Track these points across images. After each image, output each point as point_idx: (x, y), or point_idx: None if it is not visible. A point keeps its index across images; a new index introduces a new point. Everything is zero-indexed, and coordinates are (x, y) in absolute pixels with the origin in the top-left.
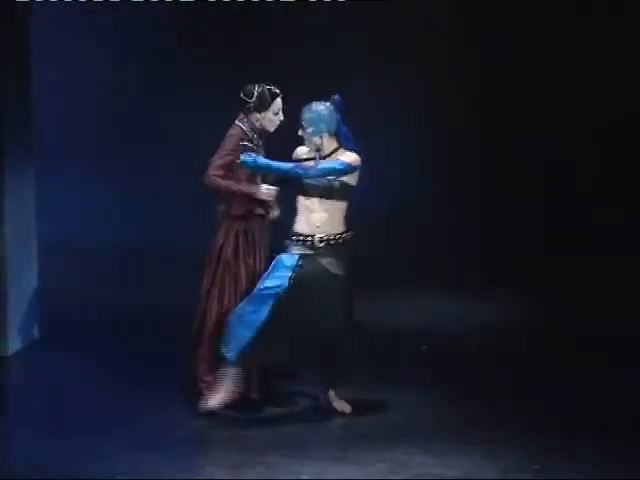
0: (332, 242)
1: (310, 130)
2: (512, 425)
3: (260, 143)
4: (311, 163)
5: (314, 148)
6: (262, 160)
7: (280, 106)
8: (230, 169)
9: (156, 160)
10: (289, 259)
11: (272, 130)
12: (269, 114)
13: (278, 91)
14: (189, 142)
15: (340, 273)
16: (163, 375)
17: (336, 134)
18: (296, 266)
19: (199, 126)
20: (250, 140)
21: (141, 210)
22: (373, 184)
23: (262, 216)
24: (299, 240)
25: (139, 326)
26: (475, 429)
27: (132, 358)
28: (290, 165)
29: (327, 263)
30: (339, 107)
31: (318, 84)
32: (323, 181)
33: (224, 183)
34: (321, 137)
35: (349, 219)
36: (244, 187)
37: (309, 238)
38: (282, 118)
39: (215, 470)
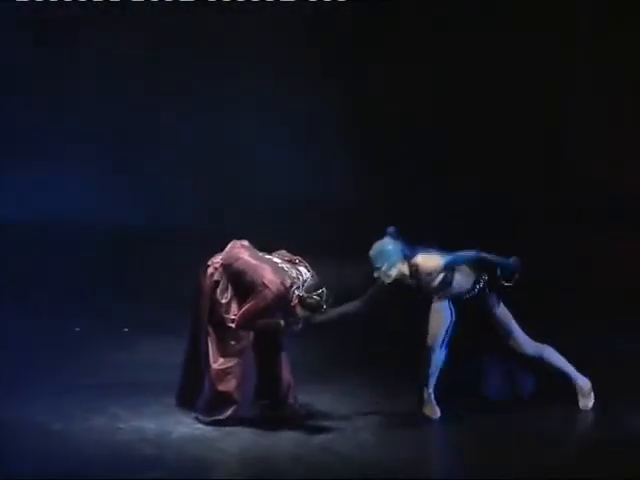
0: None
1: (384, 267)
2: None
3: None
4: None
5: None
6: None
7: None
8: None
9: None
10: None
11: None
12: None
13: (323, 300)
14: None
15: None
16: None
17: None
18: None
19: None
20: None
21: None
22: None
23: None
24: None
25: None
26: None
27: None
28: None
29: None
30: (396, 236)
31: None
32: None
33: (257, 324)
34: (397, 268)
35: None
36: (272, 323)
37: None
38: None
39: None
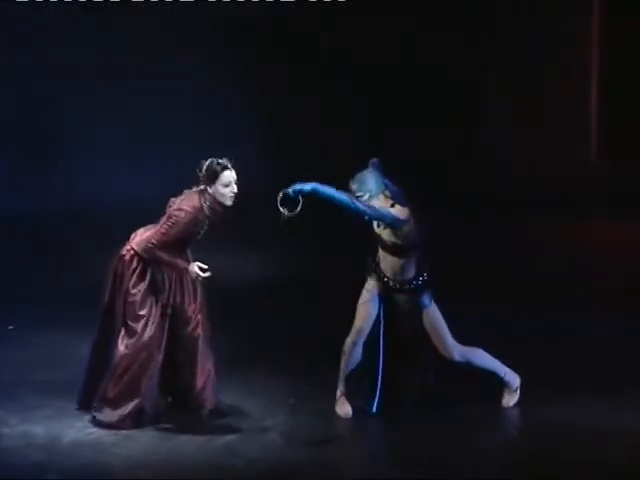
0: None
1: (366, 197)
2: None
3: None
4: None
5: None
6: (322, 188)
7: (231, 179)
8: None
9: None
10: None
11: (229, 204)
12: (219, 187)
13: (228, 164)
14: None
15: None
16: None
17: (389, 192)
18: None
19: None
20: (207, 217)
21: None
22: None
23: None
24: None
25: None
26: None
27: None
28: (347, 198)
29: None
30: (379, 168)
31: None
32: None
33: (165, 257)
34: (378, 199)
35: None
36: (180, 263)
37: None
38: (235, 190)
39: None
